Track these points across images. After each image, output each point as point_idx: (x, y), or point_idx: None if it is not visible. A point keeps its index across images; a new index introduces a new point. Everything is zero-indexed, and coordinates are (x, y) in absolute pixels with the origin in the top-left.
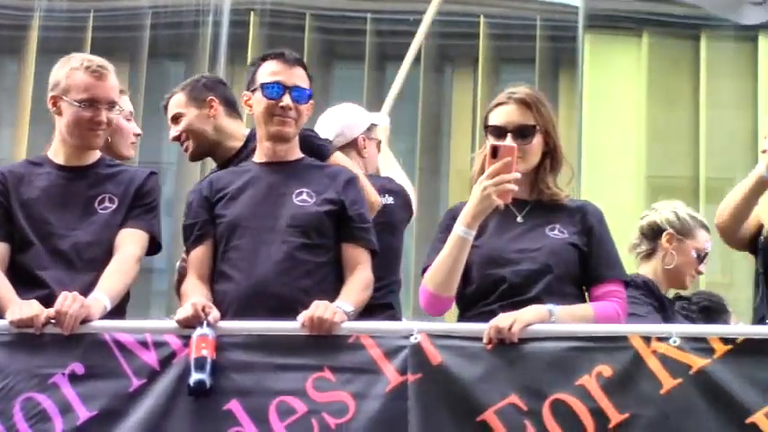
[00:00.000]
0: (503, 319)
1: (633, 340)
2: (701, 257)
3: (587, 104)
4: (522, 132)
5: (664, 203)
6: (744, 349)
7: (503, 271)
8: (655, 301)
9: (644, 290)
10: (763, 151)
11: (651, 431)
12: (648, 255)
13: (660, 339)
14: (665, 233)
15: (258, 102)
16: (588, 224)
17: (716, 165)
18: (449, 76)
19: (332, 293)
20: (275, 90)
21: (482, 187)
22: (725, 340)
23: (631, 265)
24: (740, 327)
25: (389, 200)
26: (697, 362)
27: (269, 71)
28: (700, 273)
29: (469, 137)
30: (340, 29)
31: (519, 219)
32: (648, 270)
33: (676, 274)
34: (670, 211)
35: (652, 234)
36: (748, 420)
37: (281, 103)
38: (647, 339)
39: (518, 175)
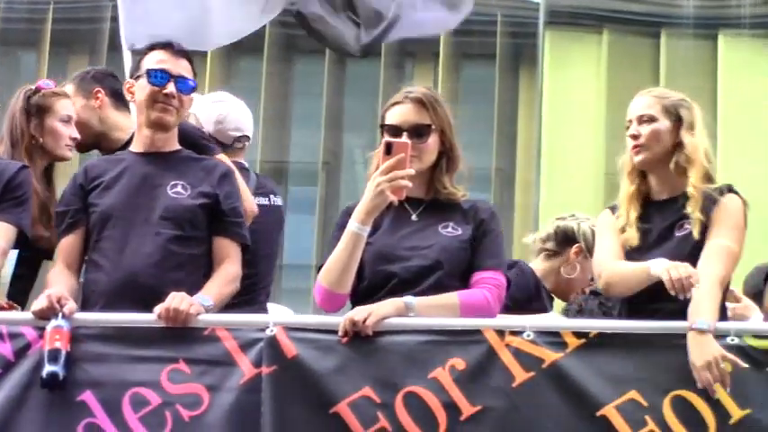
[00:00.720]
0: (358, 312)
1: (487, 334)
2: (593, 281)
3: (547, 100)
4: (418, 131)
5: (583, 215)
6: (596, 343)
7: (393, 267)
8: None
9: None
10: (633, 137)
11: (502, 424)
12: (550, 255)
13: (514, 333)
14: (576, 245)
15: (142, 88)
16: (479, 219)
17: None
18: (409, 72)
19: (203, 286)
20: (160, 77)
21: (375, 183)
22: (578, 334)
23: None
24: (593, 321)
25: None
26: (550, 355)
27: (155, 59)
28: (584, 293)
29: None
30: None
31: (414, 217)
32: (542, 267)
33: (568, 286)
34: (588, 227)
35: (564, 239)
36: (599, 413)
37: (164, 91)
38: (500, 333)
39: (412, 172)
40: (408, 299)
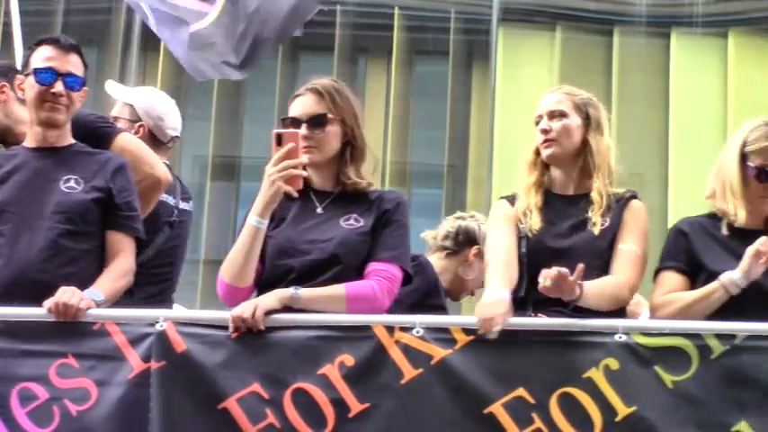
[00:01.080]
0: (245, 309)
1: (376, 330)
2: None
3: (500, 97)
4: (316, 121)
5: (482, 217)
6: (485, 340)
7: (292, 261)
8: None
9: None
10: (543, 131)
11: (390, 421)
12: (449, 254)
13: (403, 329)
14: (476, 246)
15: (30, 87)
16: (382, 209)
17: (627, 160)
18: (363, 67)
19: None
20: (47, 76)
21: (268, 175)
22: (467, 331)
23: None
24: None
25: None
26: (439, 352)
27: (42, 56)
28: (472, 294)
29: (382, 128)
30: None
31: (319, 210)
32: (438, 265)
33: (462, 286)
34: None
35: (465, 239)
36: (486, 411)
37: (52, 90)
38: (390, 329)
39: (304, 160)
40: (293, 290)
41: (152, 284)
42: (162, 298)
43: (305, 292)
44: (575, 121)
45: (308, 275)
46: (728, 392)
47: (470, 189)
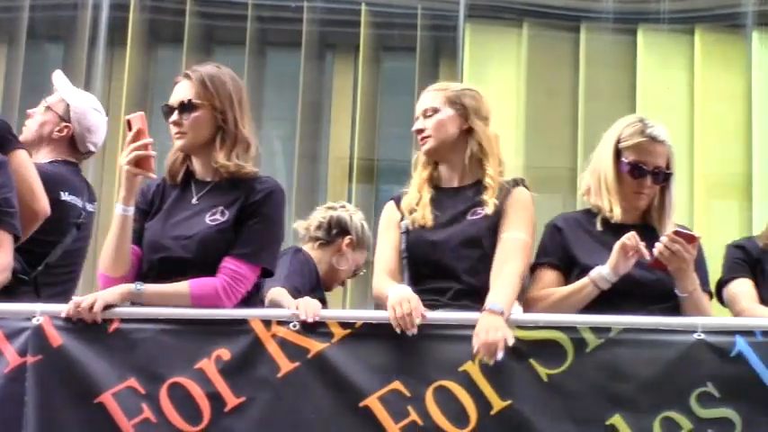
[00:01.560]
0: (85, 299)
1: (254, 324)
2: (356, 273)
3: None
4: (183, 107)
5: (353, 207)
6: (362, 333)
7: (155, 257)
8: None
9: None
10: (417, 131)
11: (265, 414)
12: (322, 245)
13: (280, 323)
14: (348, 236)
15: None
16: (249, 201)
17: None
18: (329, 63)
19: None
20: None
21: (122, 162)
22: (343, 325)
23: None
24: (359, 312)
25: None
26: (316, 345)
27: None
28: (343, 285)
29: (349, 124)
30: (221, 14)
31: (194, 200)
32: (312, 256)
33: (334, 276)
34: (359, 220)
35: (338, 230)
36: (362, 404)
37: None
38: (267, 323)
39: (149, 140)
40: (136, 285)
41: (58, 284)
42: (67, 296)
43: (148, 288)
44: (446, 113)
45: (171, 274)
46: (602, 385)
47: None
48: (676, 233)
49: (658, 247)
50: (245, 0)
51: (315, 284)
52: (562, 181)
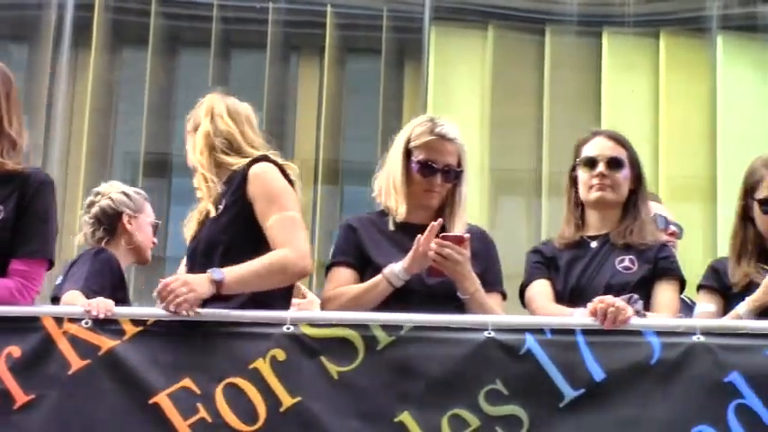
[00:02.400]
0: None
1: (45, 321)
2: (155, 228)
3: (432, 96)
4: None
5: (104, 186)
6: (153, 331)
7: None
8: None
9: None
10: None
11: (55, 412)
12: (110, 240)
13: (72, 321)
14: (124, 214)
15: None
16: (24, 194)
17: (559, 159)
18: (294, 65)
19: None
20: None
21: None
22: (135, 322)
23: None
24: (152, 309)
25: None
26: (107, 343)
27: None
28: (155, 244)
29: (314, 126)
30: (185, 14)
31: None
32: (112, 252)
33: (139, 250)
34: (119, 193)
35: (109, 218)
36: (151, 401)
37: None
38: (59, 321)
39: None
40: None
41: None
42: None
43: None
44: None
45: None
46: (392, 383)
47: None
48: (444, 237)
49: (429, 253)
50: (209, 1)
51: (118, 283)
52: (526, 183)
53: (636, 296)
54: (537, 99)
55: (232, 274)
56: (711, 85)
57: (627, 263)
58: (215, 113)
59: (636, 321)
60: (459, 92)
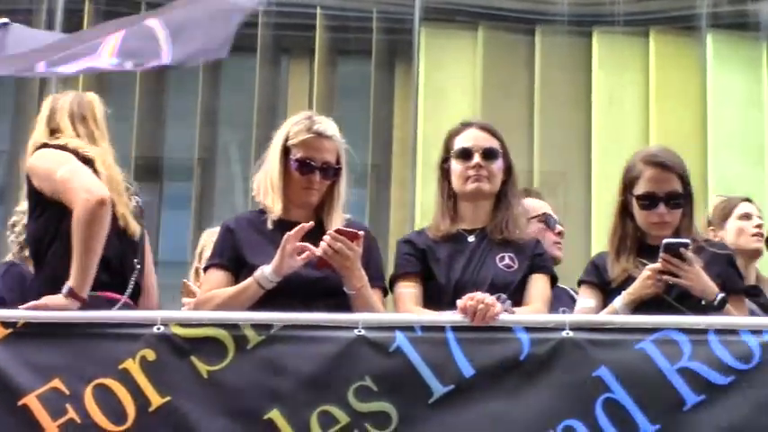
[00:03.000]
0: None
1: None
2: None
3: (423, 97)
4: None
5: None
6: (23, 332)
7: None
8: None
9: None
10: None
11: None
12: None
13: None
14: None
15: None
16: None
17: (550, 159)
18: (285, 67)
19: None
20: None
21: None
22: (5, 324)
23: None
24: (22, 312)
25: None
26: None
27: None
28: None
29: None
30: None
31: None
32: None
33: None
34: None
35: None
36: (20, 402)
37: None
38: None
39: None
40: None
41: None
42: None
43: None
44: None
45: None
46: (262, 381)
47: (394, 189)
48: (338, 231)
49: (321, 246)
50: None
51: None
52: (518, 182)
53: (504, 296)
54: (528, 99)
55: (74, 273)
56: (701, 83)
57: (507, 260)
58: None
59: (505, 317)
60: (449, 93)
